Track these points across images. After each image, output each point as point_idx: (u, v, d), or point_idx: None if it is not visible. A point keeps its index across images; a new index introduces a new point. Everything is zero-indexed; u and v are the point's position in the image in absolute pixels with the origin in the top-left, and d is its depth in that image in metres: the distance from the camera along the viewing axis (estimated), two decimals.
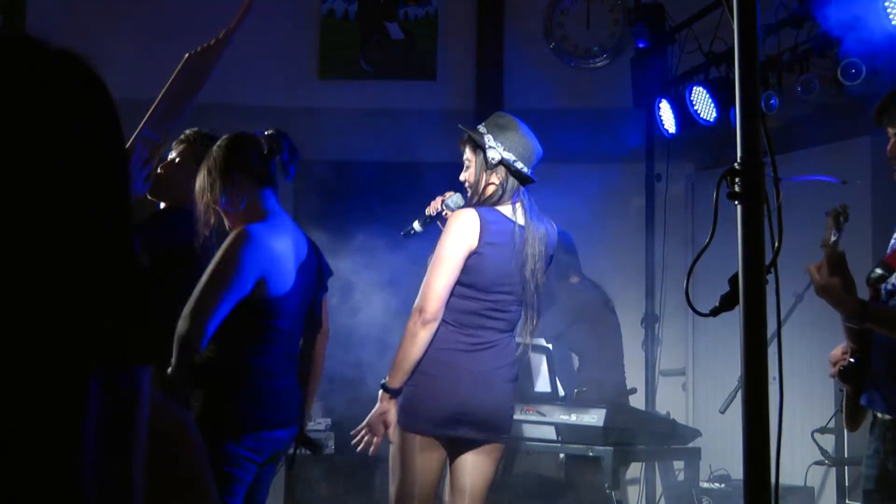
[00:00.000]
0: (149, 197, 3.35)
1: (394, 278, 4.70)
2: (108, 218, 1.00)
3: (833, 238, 2.65)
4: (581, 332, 5.48)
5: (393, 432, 3.43)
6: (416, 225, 3.78)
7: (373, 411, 3.46)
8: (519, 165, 3.52)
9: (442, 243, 3.43)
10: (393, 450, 3.46)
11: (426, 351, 3.41)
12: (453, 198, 3.74)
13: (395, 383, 3.41)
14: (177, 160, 3.40)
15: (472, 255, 3.42)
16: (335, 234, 4.78)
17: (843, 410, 3.01)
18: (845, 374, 2.96)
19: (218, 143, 3.27)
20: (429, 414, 3.41)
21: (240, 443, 3.04)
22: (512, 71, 6.95)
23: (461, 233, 3.42)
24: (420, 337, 3.38)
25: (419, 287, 3.47)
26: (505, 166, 3.52)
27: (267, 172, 3.26)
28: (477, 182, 3.54)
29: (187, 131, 3.48)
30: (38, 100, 0.95)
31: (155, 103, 3.16)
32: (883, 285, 2.88)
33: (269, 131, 3.29)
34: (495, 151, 3.50)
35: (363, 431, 3.46)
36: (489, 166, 3.52)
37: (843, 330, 2.92)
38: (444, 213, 3.72)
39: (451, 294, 3.43)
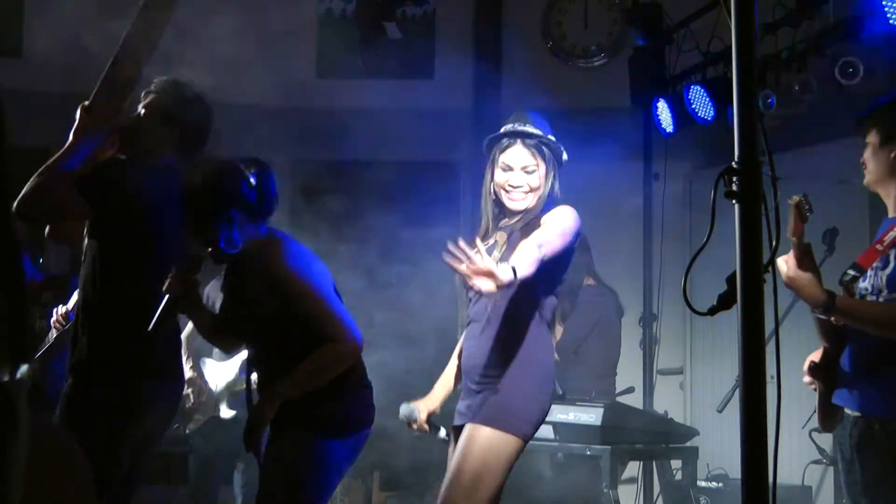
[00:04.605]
0: (118, 155, 3.18)
1: (391, 277, 4.70)
2: None
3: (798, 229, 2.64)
4: (595, 343, 5.42)
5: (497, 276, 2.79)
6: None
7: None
8: None
9: (567, 223, 3.20)
10: (483, 453, 3.20)
11: (527, 352, 3.26)
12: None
13: (519, 275, 2.84)
14: (142, 111, 3.20)
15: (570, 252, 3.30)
16: (331, 233, 4.77)
17: (817, 411, 3.01)
18: (814, 371, 2.97)
19: (200, 173, 2.98)
20: (536, 418, 3.29)
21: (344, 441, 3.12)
22: (510, 70, 6.95)
23: (578, 228, 3.25)
24: (535, 262, 2.97)
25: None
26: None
27: (260, 205, 3.03)
28: (549, 185, 3.34)
29: (156, 80, 3.26)
30: None
31: (123, 37, 3.08)
32: (857, 288, 2.87)
33: (250, 162, 3.02)
34: (564, 152, 3.38)
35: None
36: (561, 165, 3.38)
37: (816, 327, 2.92)
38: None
39: (548, 290, 3.30)
